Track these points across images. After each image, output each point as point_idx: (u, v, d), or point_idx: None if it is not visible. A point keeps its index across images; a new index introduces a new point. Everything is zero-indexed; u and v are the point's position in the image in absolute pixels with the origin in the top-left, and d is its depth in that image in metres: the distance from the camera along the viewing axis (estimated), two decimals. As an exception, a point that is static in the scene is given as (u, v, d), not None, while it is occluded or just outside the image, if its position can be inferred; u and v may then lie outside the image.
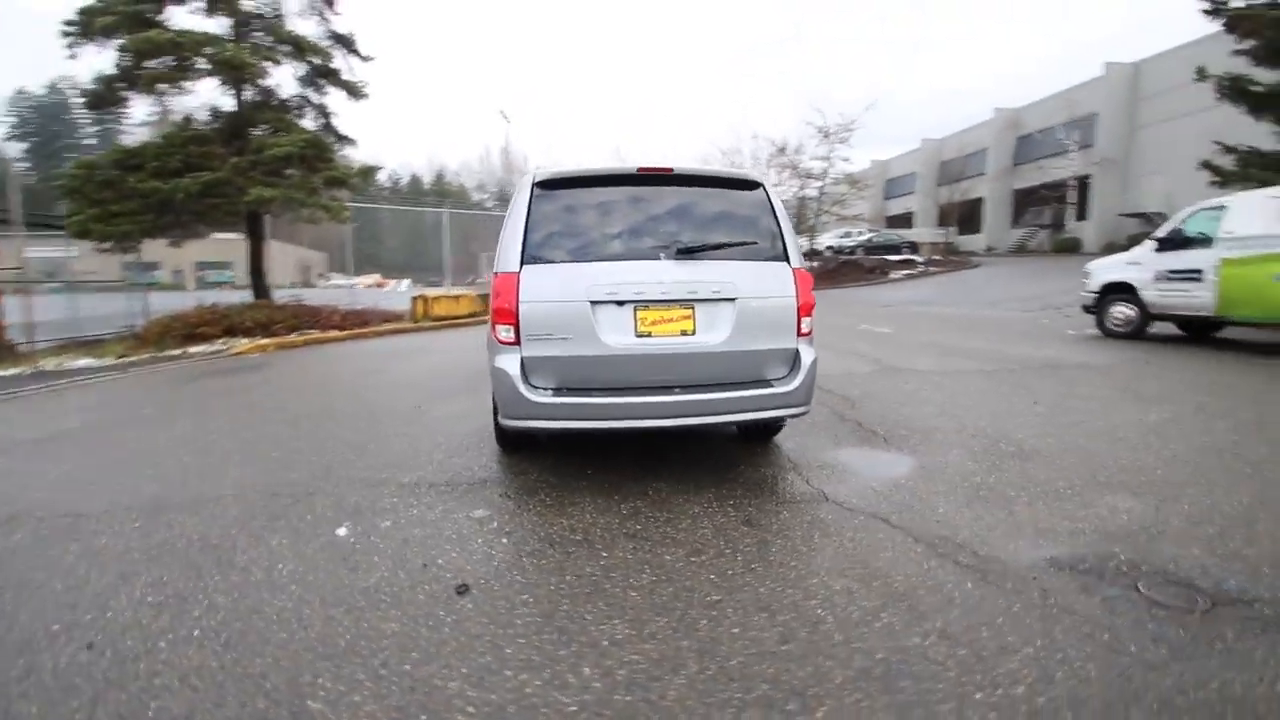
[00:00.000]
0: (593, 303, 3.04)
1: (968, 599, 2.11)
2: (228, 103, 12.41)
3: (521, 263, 3.10)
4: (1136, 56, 26.89)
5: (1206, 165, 13.23)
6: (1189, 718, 1.55)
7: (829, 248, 29.16)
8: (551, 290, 3.06)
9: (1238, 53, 12.47)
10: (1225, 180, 12.97)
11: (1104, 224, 27.04)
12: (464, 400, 5.42)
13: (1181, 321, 9.07)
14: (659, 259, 3.15)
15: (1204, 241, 8.24)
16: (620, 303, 3.05)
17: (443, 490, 3.24)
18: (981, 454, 3.65)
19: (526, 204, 3.21)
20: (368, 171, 13.60)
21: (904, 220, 40.32)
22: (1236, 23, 12.54)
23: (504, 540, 2.64)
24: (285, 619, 2.06)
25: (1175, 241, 8.60)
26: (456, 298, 13.61)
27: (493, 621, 2.03)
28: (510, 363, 3.04)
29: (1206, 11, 13.34)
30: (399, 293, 20.20)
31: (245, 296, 13.06)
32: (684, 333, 3.08)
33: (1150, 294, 8.88)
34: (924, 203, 38.96)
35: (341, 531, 2.75)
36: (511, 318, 3.04)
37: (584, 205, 3.29)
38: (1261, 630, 1.90)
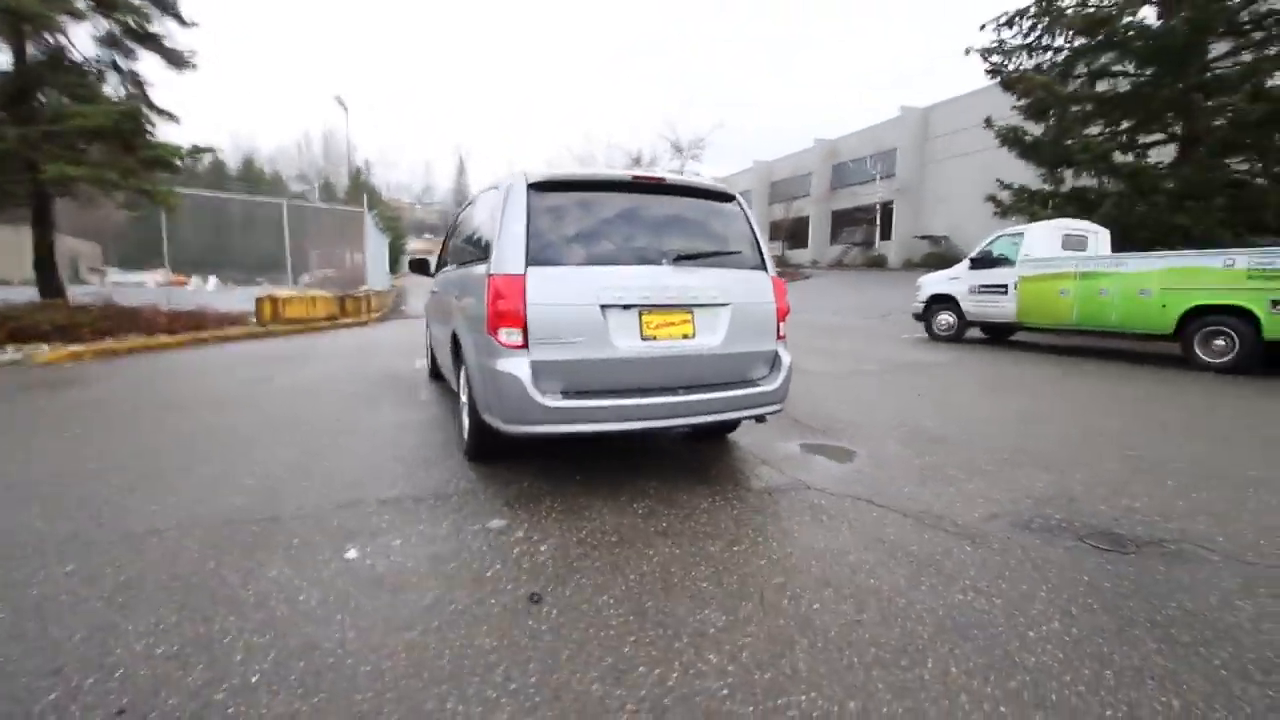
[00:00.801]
0: (603, 306, 3.07)
1: (973, 560, 2.50)
2: (2, 60, 10.10)
3: (526, 264, 3.03)
4: (928, 101, 31.80)
5: (991, 198, 16.06)
6: (1170, 629, 2.02)
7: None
8: (561, 293, 3.03)
9: (1014, 108, 15.33)
10: (1005, 211, 15.86)
11: (903, 244, 31.56)
12: (391, 410, 5.04)
13: (987, 327, 10.99)
14: (660, 264, 3.26)
15: (1007, 262, 10.07)
16: (626, 306, 3.11)
17: (434, 504, 3.04)
18: (908, 441, 4.22)
19: (524, 204, 3.15)
20: (198, 152, 11.83)
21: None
22: (1012, 83, 15.43)
23: (542, 547, 2.58)
24: (356, 650, 1.87)
25: (985, 261, 10.40)
26: (313, 299, 12.33)
27: (590, 624, 2.01)
28: (518, 367, 2.95)
29: (988, 72, 16.26)
30: (208, 292, 17.73)
31: (24, 294, 10.73)
32: (685, 336, 3.22)
33: (968, 304, 10.65)
34: (758, 219, 42.52)
35: (352, 554, 2.50)
36: (519, 320, 2.97)
37: (579, 209, 3.29)
38: (1180, 562, 2.49)
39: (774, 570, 2.40)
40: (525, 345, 2.97)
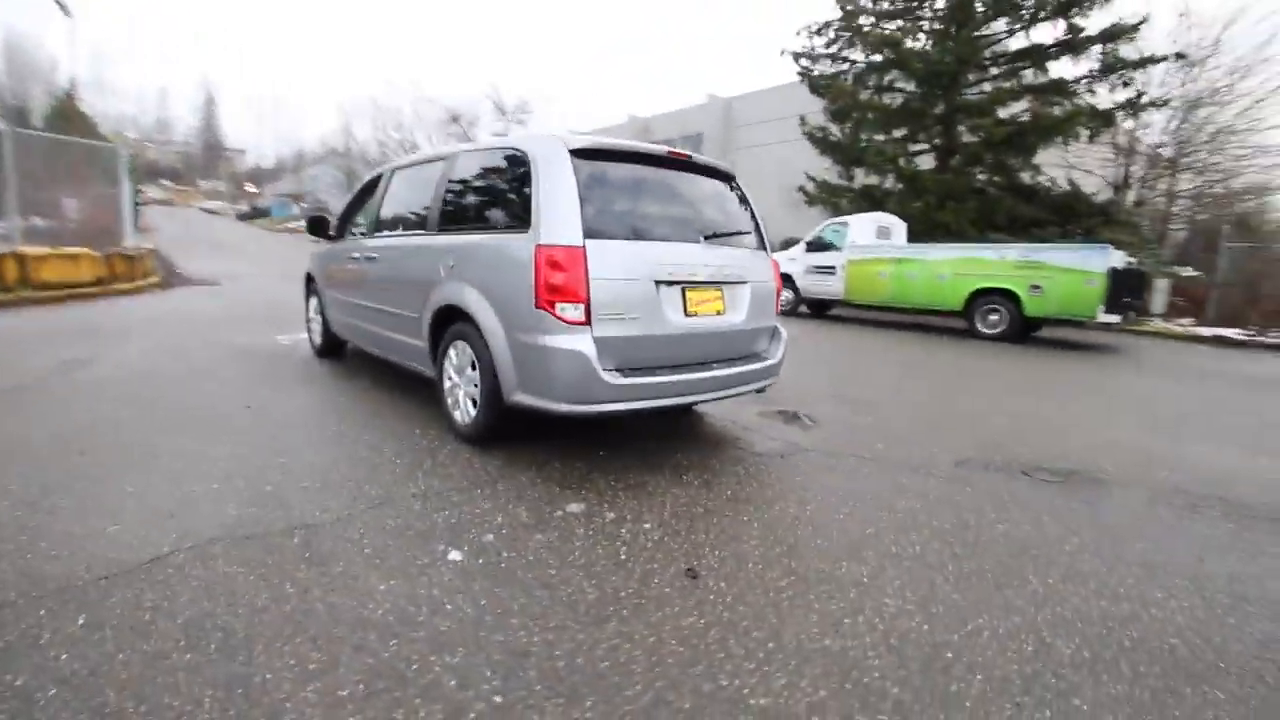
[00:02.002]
0: (657, 282, 3.06)
1: (972, 499, 3.06)
2: None
3: (584, 236, 2.89)
4: (733, 92, 34.43)
5: (801, 189, 18.14)
6: (1117, 533, 2.74)
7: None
8: (619, 268, 2.96)
9: (823, 111, 17.37)
10: (811, 201, 18.06)
11: (711, 223, 34.11)
12: (304, 392, 4.38)
13: (811, 302, 12.59)
14: (697, 242, 3.32)
15: (834, 247, 11.60)
16: (673, 283, 3.14)
17: (485, 496, 2.81)
18: (850, 406, 4.83)
19: (571, 171, 2.98)
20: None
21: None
22: (820, 88, 17.47)
23: (645, 525, 2.58)
24: (594, 656, 1.76)
25: (818, 245, 11.87)
26: (74, 258, 9.73)
27: (767, 589, 2.12)
28: (583, 344, 2.84)
29: (799, 74, 18.21)
30: None
31: None
32: (717, 313, 3.35)
33: (804, 283, 12.07)
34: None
35: (456, 555, 2.26)
36: (580, 295, 2.84)
37: (618, 180, 3.20)
38: (1098, 486, 3.33)
39: (838, 506, 2.73)
40: (588, 321, 2.86)
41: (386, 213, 4.42)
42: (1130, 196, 17.91)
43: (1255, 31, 23.56)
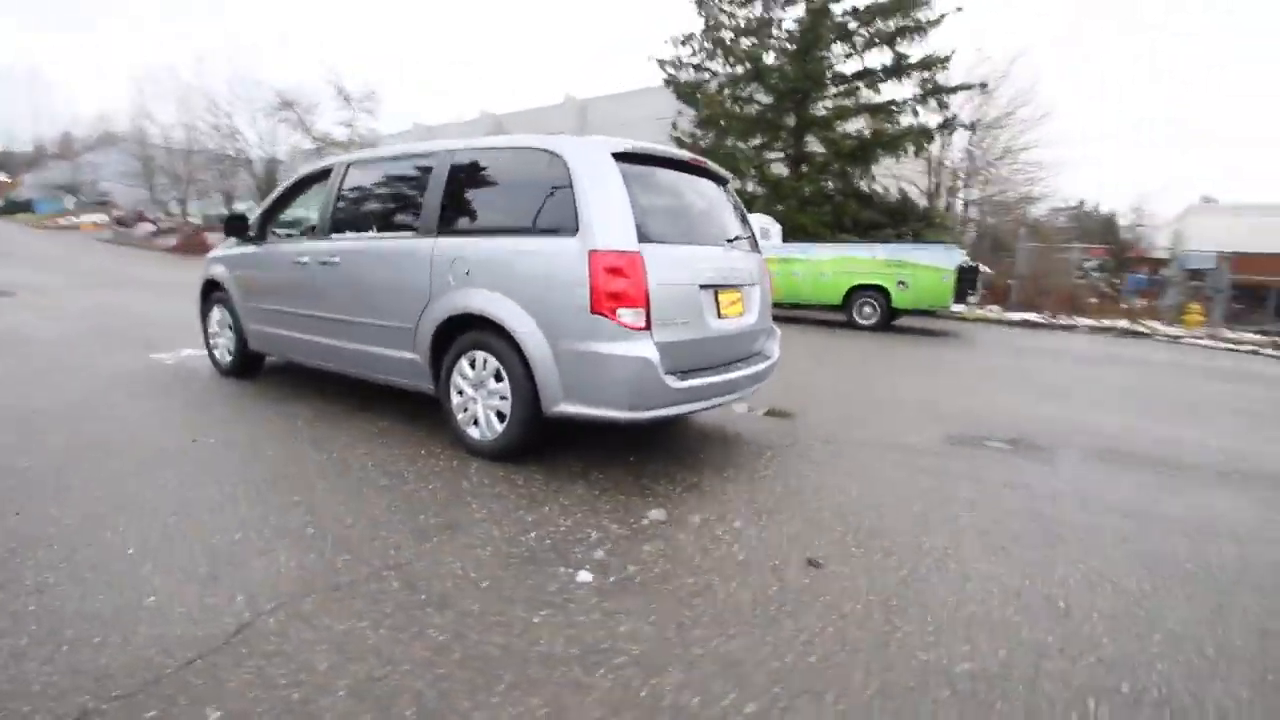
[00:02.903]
0: (700, 286, 3.10)
1: (966, 468, 3.50)
2: None
3: (638, 239, 2.86)
4: (589, 94, 34.66)
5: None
6: (1087, 487, 3.32)
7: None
8: (669, 272, 2.96)
9: (695, 118, 18.16)
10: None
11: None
12: (248, 419, 3.80)
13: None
14: (721, 245, 3.40)
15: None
16: (708, 286, 3.20)
17: (558, 512, 2.68)
18: (805, 397, 5.19)
19: (619, 176, 2.92)
20: None
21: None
22: (684, 95, 18.26)
23: (735, 524, 2.62)
24: (758, 666, 1.79)
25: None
26: None
27: (881, 568, 2.28)
28: (647, 349, 2.81)
29: (666, 81, 18.89)
30: None
31: None
32: (740, 314, 3.46)
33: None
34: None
35: (586, 577, 2.15)
36: (641, 300, 2.81)
37: (654, 185, 3.19)
38: (1040, 450, 3.94)
39: (874, 487, 3.00)
40: (648, 326, 2.83)
41: (347, 212, 3.94)
42: (940, 203, 20.95)
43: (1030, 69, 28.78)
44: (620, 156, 3.00)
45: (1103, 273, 18.71)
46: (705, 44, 17.93)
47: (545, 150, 3.10)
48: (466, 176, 3.36)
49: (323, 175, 4.27)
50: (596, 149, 2.99)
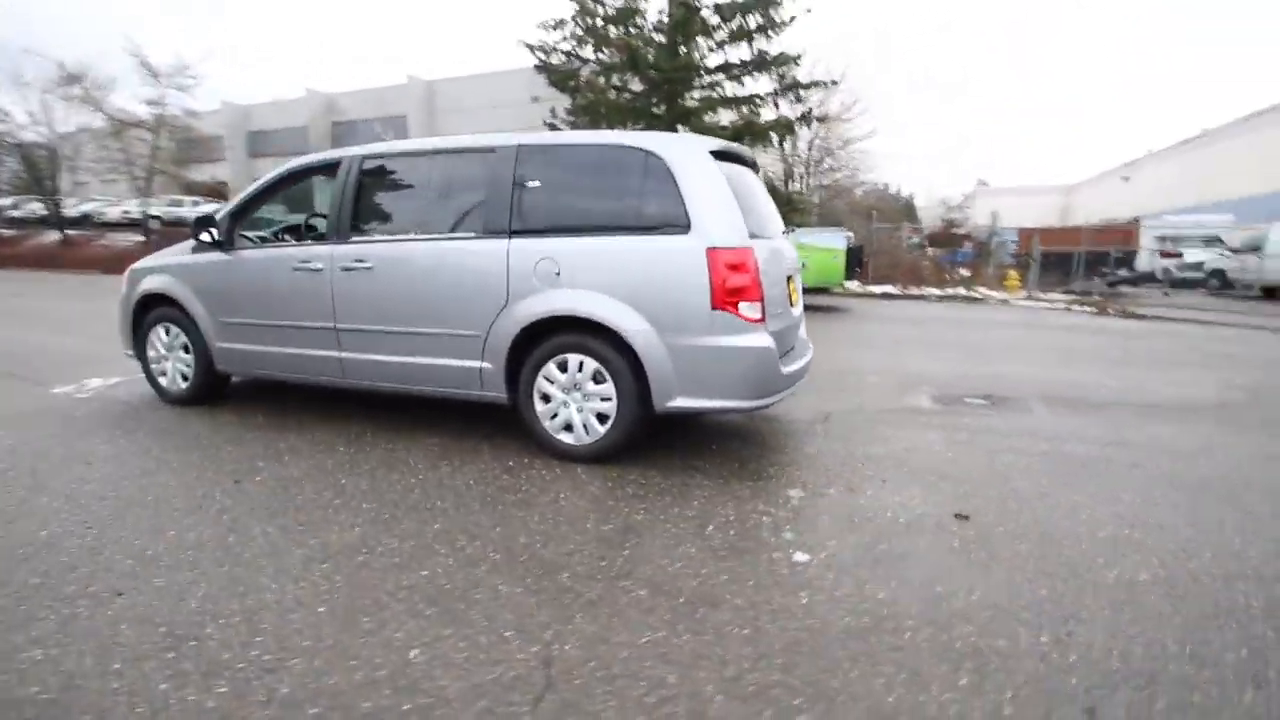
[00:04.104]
0: (787, 276, 3.29)
1: (974, 423, 4.09)
2: None
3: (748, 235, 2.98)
4: (434, 75, 32.66)
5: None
6: (1047, 424, 4.05)
7: (154, 216, 23.32)
8: (767, 264, 3.11)
9: (573, 106, 17.95)
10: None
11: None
12: (274, 459, 3.36)
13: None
14: (783, 235, 3.60)
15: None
16: (789, 277, 3.40)
17: (707, 500, 2.76)
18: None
19: (721, 173, 3.01)
20: None
21: (213, 190, 35.76)
22: (558, 82, 18.01)
23: (868, 492, 2.88)
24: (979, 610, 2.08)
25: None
26: None
27: (1016, 517, 2.67)
28: (766, 339, 2.96)
29: (537, 67, 18.48)
30: None
31: None
32: (793, 302, 3.70)
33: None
34: (238, 173, 35.58)
35: (802, 556, 2.28)
36: (759, 294, 2.95)
37: (734, 181, 3.28)
38: (1010, 402, 4.69)
39: (940, 450, 3.45)
40: (764, 318, 2.97)
41: (371, 212, 3.55)
42: (795, 188, 22.87)
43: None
44: (717, 154, 3.08)
45: (924, 248, 21.73)
46: (577, 30, 17.79)
47: (639, 148, 3.07)
48: (540, 174, 3.22)
49: (319, 171, 3.80)
50: (696, 148, 3.05)
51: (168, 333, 4.13)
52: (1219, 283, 16.97)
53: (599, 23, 17.62)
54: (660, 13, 17.89)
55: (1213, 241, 18.72)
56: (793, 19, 17.63)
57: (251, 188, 3.91)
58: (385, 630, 1.83)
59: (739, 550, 2.34)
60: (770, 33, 17.69)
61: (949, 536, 2.47)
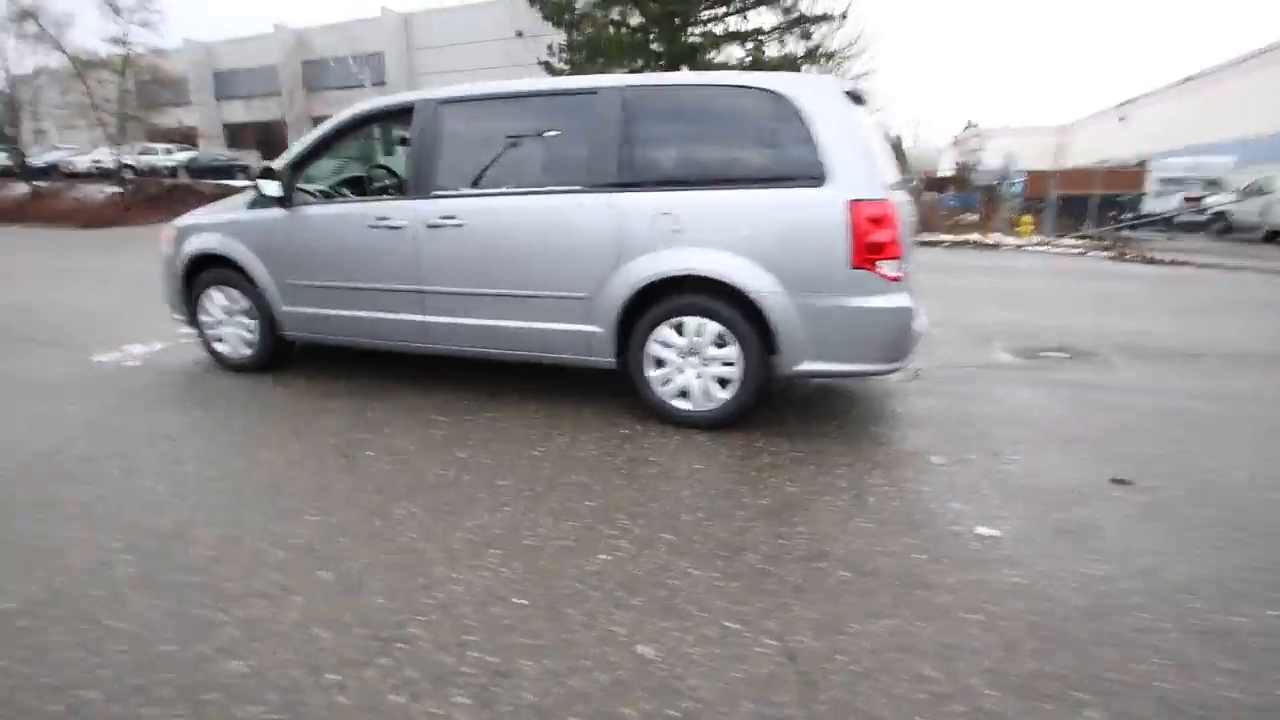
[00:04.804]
0: (912, 230, 3.10)
1: (1069, 378, 4.01)
2: None
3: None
4: (410, 7, 30.74)
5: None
6: (1137, 377, 4.00)
7: (127, 166, 22.05)
8: (902, 218, 2.91)
9: (569, 42, 17.02)
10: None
11: (410, 159, 30.95)
12: (374, 431, 3.18)
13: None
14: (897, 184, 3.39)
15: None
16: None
17: (863, 468, 2.66)
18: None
19: (858, 119, 2.78)
20: None
21: (183, 136, 33.86)
22: (551, 15, 17.02)
23: (1015, 458, 2.79)
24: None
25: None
26: None
27: (1177, 476, 2.61)
28: (906, 299, 2.80)
29: (531, 1, 17.42)
30: None
31: None
32: (904, 255, 3.52)
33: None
34: (206, 116, 33.67)
35: (986, 530, 2.19)
36: (900, 250, 2.77)
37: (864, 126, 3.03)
38: (1089, 355, 4.61)
39: (1014, 404, 3.37)
40: (902, 277, 2.80)
41: (456, 164, 3.26)
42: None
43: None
44: (851, 95, 2.84)
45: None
46: (572, -41, 16.69)
47: (764, 89, 2.81)
48: (649, 120, 2.95)
49: (387, 117, 3.48)
50: (831, 89, 2.80)
51: (224, 297, 3.85)
52: (1223, 226, 17.03)
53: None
54: (660, -61, 16.83)
55: (1212, 184, 18.69)
56: (801, -52, 16.69)
57: (310, 137, 3.57)
58: (599, 623, 1.71)
59: (915, 524, 2.24)
60: (776, -38, 16.76)
61: (1120, 504, 2.40)
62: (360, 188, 4.02)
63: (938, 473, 2.65)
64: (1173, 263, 11.25)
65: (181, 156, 23.20)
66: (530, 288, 3.14)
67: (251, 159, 31.77)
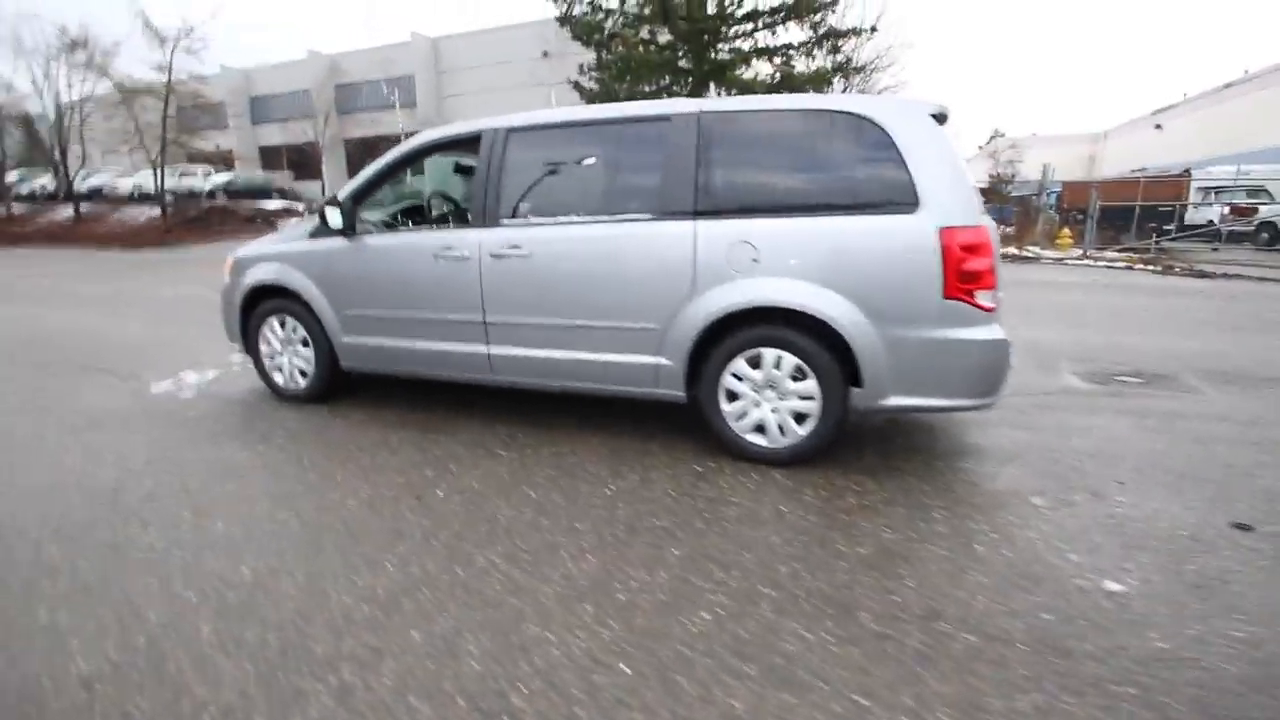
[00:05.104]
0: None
1: (1154, 406, 3.79)
2: None
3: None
4: (438, 32, 31.36)
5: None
6: (1227, 405, 3.76)
7: (168, 190, 22.70)
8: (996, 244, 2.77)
9: (600, 62, 17.16)
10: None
11: (438, 178, 31.41)
12: (450, 466, 3.10)
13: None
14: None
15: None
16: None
17: (955, 513, 2.50)
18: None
19: (947, 142, 2.65)
20: None
21: (221, 159, 34.84)
22: (581, 35, 17.18)
23: (1120, 499, 2.61)
24: None
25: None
26: None
27: (1301, 522, 2.42)
28: (1001, 331, 2.65)
29: (559, 19, 17.61)
30: None
31: None
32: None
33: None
34: (243, 140, 34.62)
35: (1115, 586, 2.02)
36: (996, 280, 2.63)
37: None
38: (1166, 379, 4.38)
39: (1102, 435, 3.17)
40: (995, 308, 2.65)
41: (523, 192, 3.20)
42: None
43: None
44: (937, 117, 2.71)
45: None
46: (602, -20, 16.85)
47: (850, 113, 2.71)
48: (727, 145, 2.86)
49: (453, 146, 3.45)
50: (918, 111, 2.68)
51: (284, 326, 3.83)
52: (1269, 236, 16.46)
53: (622, -28, 16.68)
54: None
55: (1257, 193, 18.10)
56: (828, -36, 16.62)
57: (374, 166, 3.54)
58: (716, 696, 1.59)
59: (1034, 579, 2.08)
60: (805, -22, 16.73)
61: (1247, 553, 2.21)
62: (418, 216, 3.99)
63: (1042, 517, 2.48)
64: (1224, 276, 10.87)
65: (219, 179, 23.79)
66: (597, 318, 3.05)
67: (285, 179, 32.63)
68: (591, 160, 3.13)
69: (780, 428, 2.90)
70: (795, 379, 2.83)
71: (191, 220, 20.32)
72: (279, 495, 2.73)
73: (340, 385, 3.93)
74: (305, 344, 3.80)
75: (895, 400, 2.73)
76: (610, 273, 2.99)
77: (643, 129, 3.02)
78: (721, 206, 2.84)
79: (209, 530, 2.44)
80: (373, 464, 3.03)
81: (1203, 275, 11.06)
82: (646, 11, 16.59)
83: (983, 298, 2.59)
